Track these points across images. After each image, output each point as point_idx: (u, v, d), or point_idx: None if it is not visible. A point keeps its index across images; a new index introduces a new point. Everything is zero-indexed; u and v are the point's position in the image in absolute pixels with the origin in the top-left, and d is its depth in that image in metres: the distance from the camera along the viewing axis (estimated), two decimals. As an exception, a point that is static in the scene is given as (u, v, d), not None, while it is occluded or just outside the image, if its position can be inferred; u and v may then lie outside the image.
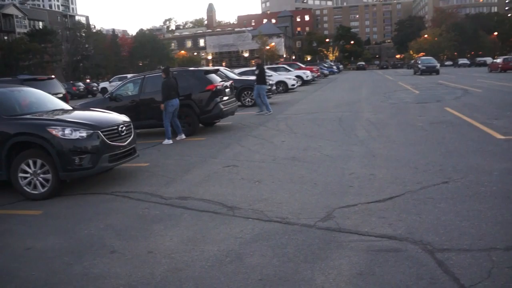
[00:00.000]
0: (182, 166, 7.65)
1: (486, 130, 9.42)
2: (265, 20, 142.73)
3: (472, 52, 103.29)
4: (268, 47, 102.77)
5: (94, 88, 45.24)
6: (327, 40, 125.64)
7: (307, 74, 35.48)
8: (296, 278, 3.37)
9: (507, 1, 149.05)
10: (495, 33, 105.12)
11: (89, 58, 80.00)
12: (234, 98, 13.02)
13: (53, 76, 15.62)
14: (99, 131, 6.39)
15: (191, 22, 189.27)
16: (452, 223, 4.25)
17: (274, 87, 20.35)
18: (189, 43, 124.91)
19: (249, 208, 5.05)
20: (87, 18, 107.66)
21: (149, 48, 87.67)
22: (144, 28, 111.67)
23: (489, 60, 69.25)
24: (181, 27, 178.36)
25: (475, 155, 7.09)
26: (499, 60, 48.07)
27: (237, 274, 3.50)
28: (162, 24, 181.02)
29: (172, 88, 10.43)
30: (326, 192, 5.47)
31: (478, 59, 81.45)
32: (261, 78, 15.47)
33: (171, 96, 10.33)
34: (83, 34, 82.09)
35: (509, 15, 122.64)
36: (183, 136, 10.64)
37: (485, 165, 6.39)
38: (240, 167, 7.22)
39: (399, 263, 3.47)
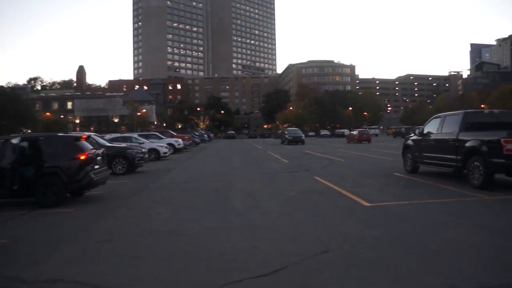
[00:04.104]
0: (49, 242, 6.90)
1: (353, 198, 10.07)
2: (137, 86, 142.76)
3: (332, 124, 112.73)
4: (139, 114, 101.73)
5: None
6: (198, 108, 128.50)
7: (179, 142, 35.49)
8: None
9: (357, 81, 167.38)
10: (350, 108, 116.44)
11: None
12: (106, 167, 12.41)
13: None
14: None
15: (58, 83, 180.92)
16: (337, 296, 4.33)
17: (146, 155, 19.89)
18: (55, 105, 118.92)
19: (128, 289, 4.66)
20: None
21: (9, 108, 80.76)
22: (5, 86, 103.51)
23: (346, 132, 76.17)
24: (47, 87, 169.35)
25: (348, 223, 7.50)
26: (355, 132, 53.04)
27: None
28: (26, 83, 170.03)
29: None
30: (210, 268, 5.28)
31: (337, 130, 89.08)
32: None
33: None
34: None
35: (360, 93, 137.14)
36: None
37: (358, 233, 6.77)
38: (115, 242, 6.73)
39: None
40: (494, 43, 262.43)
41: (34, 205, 10.07)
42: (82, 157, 10.57)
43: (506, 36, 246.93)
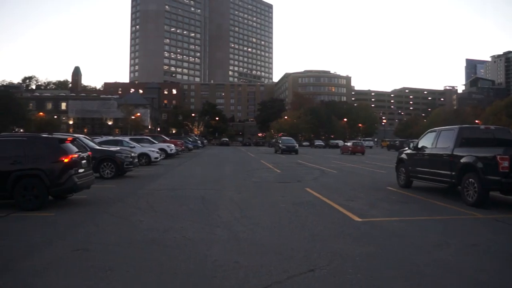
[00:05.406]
0: (20, 248, 6.53)
1: (344, 212, 9.77)
2: (132, 90, 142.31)
3: (326, 135, 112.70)
4: (133, 117, 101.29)
5: None
6: (193, 114, 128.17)
7: (171, 147, 35.13)
8: None
9: (353, 93, 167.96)
10: (345, 119, 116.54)
11: None
12: (91, 171, 12.05)
13: None
14: None
15: (54, 83, 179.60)
16: (320, 321, 4.01)
17: (136, 160, 19.52)
18: (49, 105, 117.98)
19: (96, 306, 4.32)
20: None
21: (2, 106, 79.87)
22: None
23: (340, 143, 76.17)
24: (42, 87, 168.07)
25: (337, 239, 7.19)
26: (349, 144, 53.04)
27: None
28: (20, 81, 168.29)
29: None
30: (186, 285, 4.94)
31: (332, 141, 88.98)
32: None
33: None
34: None
35: (355, 104, 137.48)
36: None
37: (348, 250, 6.46)
38: (91, 251, 6.38)
39: None
40: (489, 59, 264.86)
41: (13, 208, 9.70)
42: (66, 160, 10.22)
43: (501, 53, 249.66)
